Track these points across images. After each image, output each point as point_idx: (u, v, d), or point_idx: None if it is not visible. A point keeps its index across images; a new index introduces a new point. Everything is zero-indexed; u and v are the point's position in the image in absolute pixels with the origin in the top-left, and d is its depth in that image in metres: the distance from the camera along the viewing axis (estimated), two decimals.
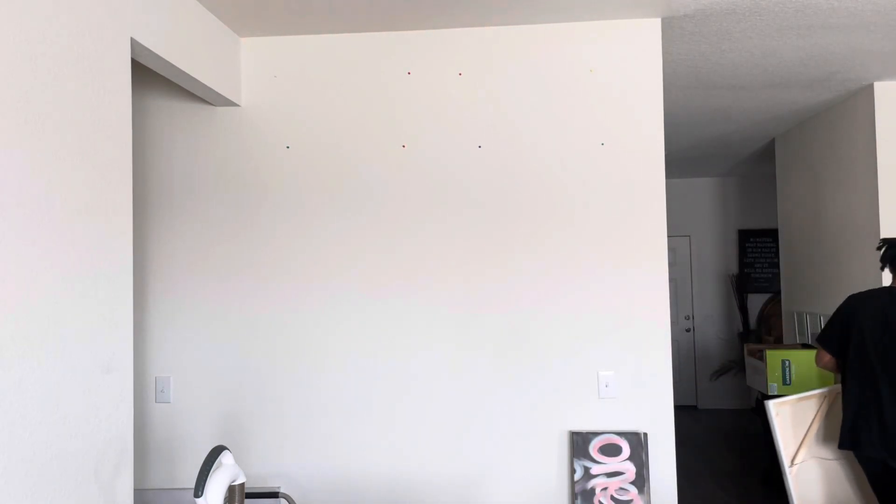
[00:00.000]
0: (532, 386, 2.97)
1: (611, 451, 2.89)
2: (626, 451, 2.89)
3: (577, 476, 2.89)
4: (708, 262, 8.15)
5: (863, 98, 4.32)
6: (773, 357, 4.74)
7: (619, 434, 2.90)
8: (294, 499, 2.93)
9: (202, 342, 3.07)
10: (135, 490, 2.22)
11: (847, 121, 4.56)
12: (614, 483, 2.87)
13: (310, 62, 3.10)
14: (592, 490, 2.87)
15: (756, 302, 8.02)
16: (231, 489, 2.00)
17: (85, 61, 2.01)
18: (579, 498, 2.87)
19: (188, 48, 2.63)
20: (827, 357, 3.24)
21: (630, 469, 2.87)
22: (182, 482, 3.05)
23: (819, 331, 4.65)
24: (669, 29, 3.13)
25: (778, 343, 6.63)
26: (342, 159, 3.07)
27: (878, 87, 4.17)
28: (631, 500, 2.85)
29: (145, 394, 3.08)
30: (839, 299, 4.58)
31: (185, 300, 3.08)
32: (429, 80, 3.05)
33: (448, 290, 3.01)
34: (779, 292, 7.44)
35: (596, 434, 2.91)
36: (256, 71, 3.11)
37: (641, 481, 2.86)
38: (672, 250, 7.98)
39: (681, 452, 6.14)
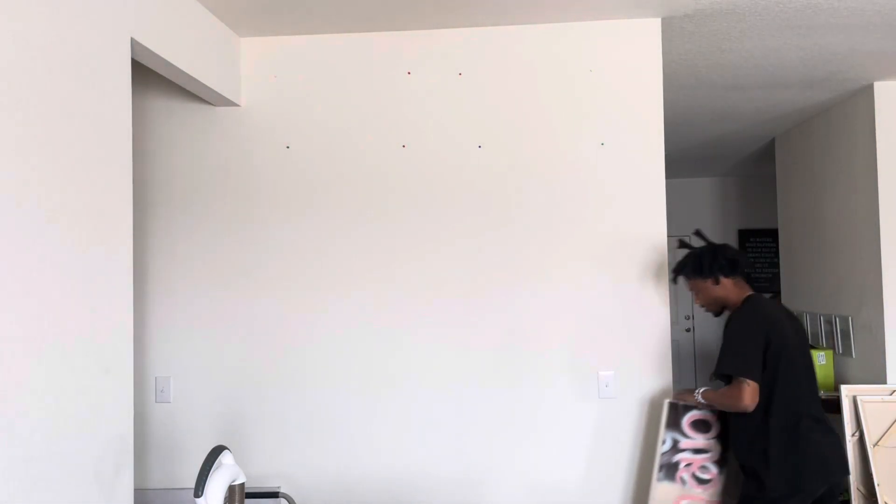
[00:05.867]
0: (532, 385, 2.97)
1: (702, 426, 2.84)
2: (715, 429, 2.83)
3: (665, 447, 2.84)
4: None
5: (863, 98, 4.31)
6: None
7: (714, 411, 2.83)
8: (294, 499, 2.93)
9: (202, 342, 3.07)
10: (135, 490, 2.22)
11: (847, 121, 4.56)
12: (698, 460, 2.83)
13: (310, 62, 3.09)
14: (677, 464, 2.83)
15: None
16: (231, 489, 2.00)
17: (85, 61, 2.01)
18: (664, 470, 2.82)
19: (188, 48, 2.63)
20: None
21: (717, 448, 2.83)
22: (182, 482, 3.05)
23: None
24: (669, 29, 3.12)
25: None
26: (342, 159, 3.07)
27: (878, 87, 4.16)
28: (710, 480, 2.81)
29: (145, 394, 3.08)
30: (839, 299, 4.59)
31: (185, 300, 3.08)
32: (429, 80, 3.05)
33: (448, 290, 3.01)
34: (779, 292, 7.43)
35: (691, 408, 2.84)
36: (256, 71, 3.10)
37: (724, 462, 2.81)
38: (672, 250, 7.97)
39: None
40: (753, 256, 8.08)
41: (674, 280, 2.91)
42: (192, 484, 3.03)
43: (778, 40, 3.34)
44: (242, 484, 2.04)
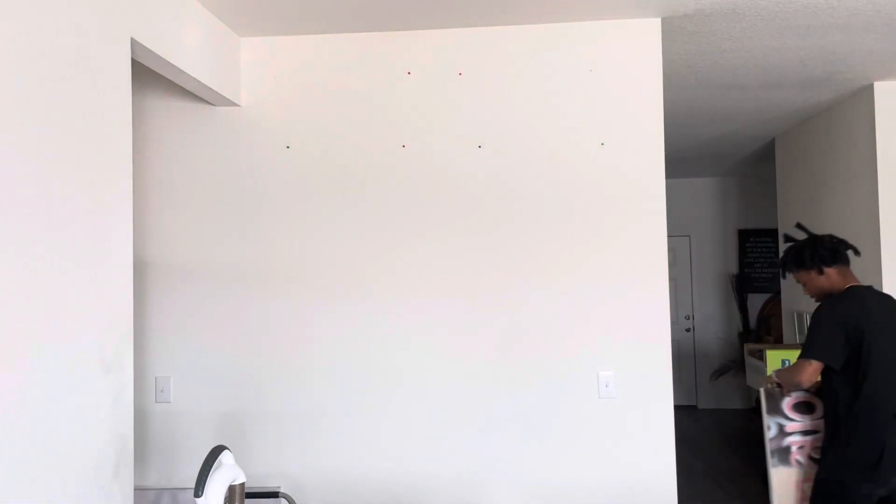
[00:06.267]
0: (532, 385, 2.97)
1: (805, 408, 2.86)
2: (820, 409, 2.83)
3: (772, 434, 2.87)
4: (708, 262, 8.14)
5: (863, 98, 4.32)
6: (773, 357, 4.74)
7: (813, 392, 2.86)
8: (294, 499, 2.93)
9: (202, 342, 3.07)
10: (135, 490, 2.22)
11: (847, 121, 4.56)
12: (810, 441, 2.84)
13: (310, 62, 3.09)
14: (788, 448, 2.85)
15: (756, 302, 8.01)
16: (231, 489, 2.00)
17: (85, 61, 2.01)
18: (776, 455, 2.85)
19: (188, 48, 2.63)
20: None
21: (825, 429, 2.83)
22: (182, 482, 3.05)
23: None
24: (669, 29, 3.12)
25: (778, 343, 6.63)
26: (342, 159, 3.07)
27: (878, 87, 4.17)
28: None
29: (145, 394, 3.08)
30: None
31: (185, 300, 3.08)
32: (429, 80, 3.05)
33: (448, 290, 3.01)
34: (779, 292, 7.44)
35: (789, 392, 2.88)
36: (256, 71, 3.11)
37: None
38: (672, 250, 7.97)
39: (681, 452, 6.13)
40: (753, 256, 8.09)
41: (783, 275, 2.97)
42: (192, 484, 3.03)
43: (778, 40, 3.34)
44: (242, 484, 2.04)
